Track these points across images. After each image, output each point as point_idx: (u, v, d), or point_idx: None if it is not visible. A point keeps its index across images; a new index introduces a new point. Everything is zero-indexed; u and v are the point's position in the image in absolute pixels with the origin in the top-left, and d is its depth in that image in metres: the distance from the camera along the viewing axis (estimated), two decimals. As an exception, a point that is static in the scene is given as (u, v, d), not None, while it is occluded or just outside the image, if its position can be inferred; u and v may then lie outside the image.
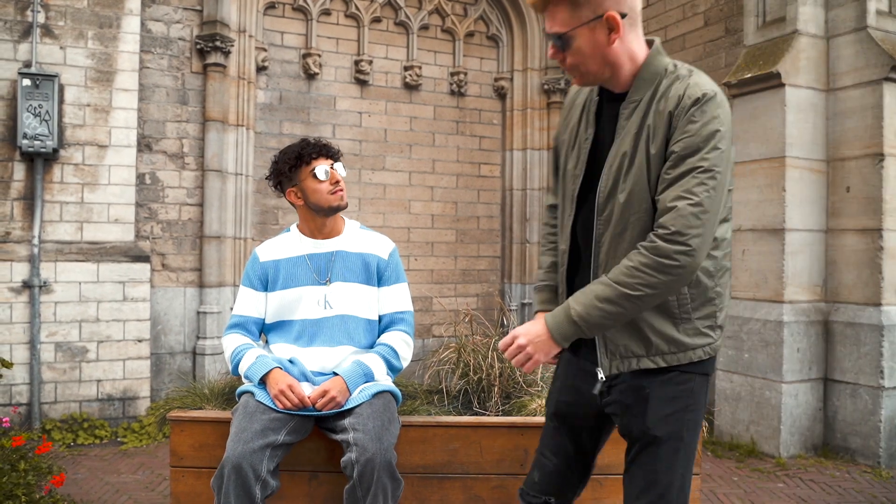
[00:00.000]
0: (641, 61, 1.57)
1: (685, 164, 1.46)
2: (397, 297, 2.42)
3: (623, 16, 1.50)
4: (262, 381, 2.20)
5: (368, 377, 2.25)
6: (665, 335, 1.55)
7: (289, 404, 2.11)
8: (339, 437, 2.09)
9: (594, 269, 1.60)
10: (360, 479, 1.96)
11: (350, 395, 2.18)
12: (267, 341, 2.45)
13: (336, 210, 2.35)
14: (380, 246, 2.44)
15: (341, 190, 2.34)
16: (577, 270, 1.69)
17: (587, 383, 1.66)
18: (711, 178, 1.45)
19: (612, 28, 1.50)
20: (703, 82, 1.52)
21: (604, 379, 1.60)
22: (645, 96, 1.55)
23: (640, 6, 1.57)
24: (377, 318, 2.40)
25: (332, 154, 2.37)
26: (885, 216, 4.17)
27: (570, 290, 1.67)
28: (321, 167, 2.30)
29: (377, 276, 2.40)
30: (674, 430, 1.56)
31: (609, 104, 1.63)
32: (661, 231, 1.46)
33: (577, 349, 1.69)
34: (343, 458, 2.02)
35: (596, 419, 1.73)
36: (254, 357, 2.25)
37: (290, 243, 2.41)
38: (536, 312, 1.83)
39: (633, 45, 1.55)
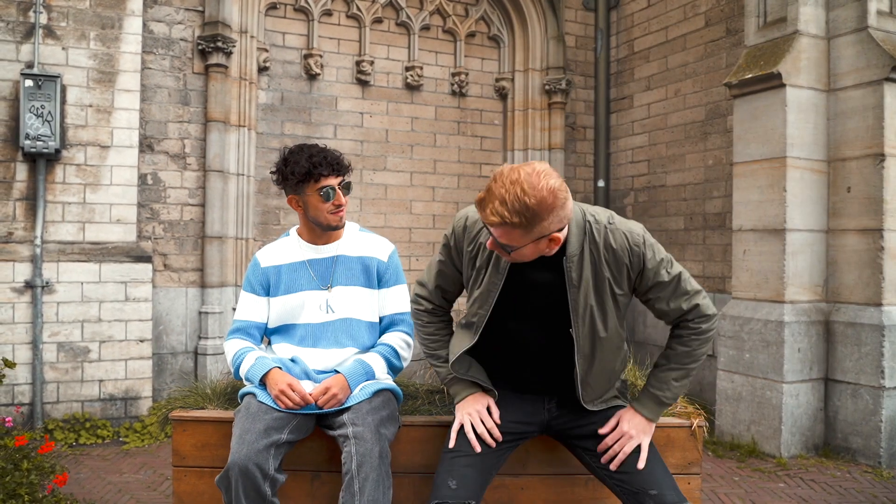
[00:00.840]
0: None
1: (669, 282, 1.93)
2: (397, 299, 2.43)
3: (561, 229, 1.77)
4: (263, 382, 2.21)
5: (369, 375, 2.26)
6: (618, 388, 2.15)
7: (290, 403, 2.11)
8: (338, 432, 2.09)
9: (580, 387, 1.99)
10: (358, 469, 1.96)
11: (351, 392, 2.19)
12: (270, 343, 2.46)
13: (333, 229, 2.36)
14: (379, 248, 2.44)
15: (342, 212, 2.33)
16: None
17: (536, 406, 2.10)
18: (685, 275, 1.97)
19: (554, 241, 1.78)
20: (630, 226, 1.93)
21: (600, 432, 2.04)
22: (584, 249, 1.87)
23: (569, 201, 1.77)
24: (378, 321, 2.42)
25: (342, 170, 2.32)
26: (886, 216, 4.18)
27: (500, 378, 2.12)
28: (329, 188, 2.27)
29: (377, 278, 2.41)
30: None
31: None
32: (699, 319, 1.97)
33: (521, 389, 2.12)
34: (343, 454, 2.02)
35: (523, 436, 2.11)
36: (253, 359, 2.26)
37: (290, 248, 2.41)
38: (465, 398, 2.09)
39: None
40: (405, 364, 2.41)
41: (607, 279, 1.90)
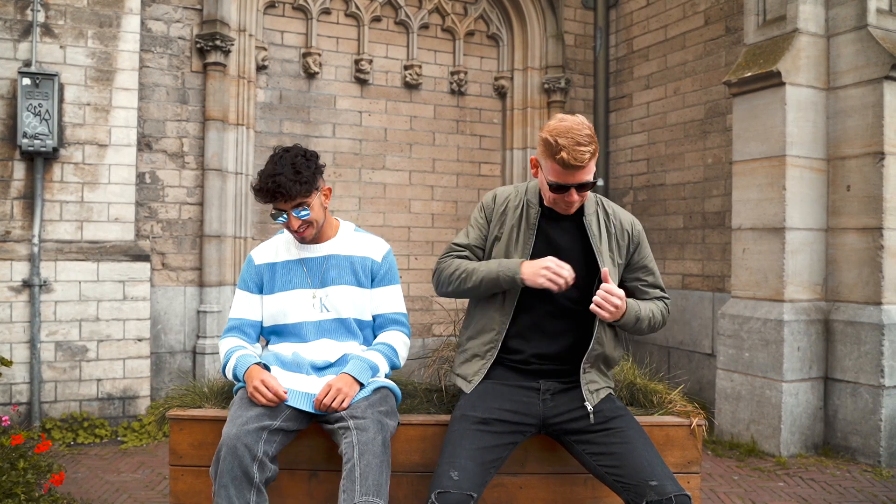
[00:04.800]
0: None
1: (653, 270, 2.35)
2: (392, 299, 2.42)
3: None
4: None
5: (374, 370, 2.25)
6: (609, 380, 2.32)
7: (263, 400, 2.07)
8: (336, 425, 2.07)
9: (595, 341, 2.17)
10: (361, 456, 1.94)
11: (362, 386, 2.17)
12: (268, 343, 2.45)
13: (306, 242, 2.35)
14: (373, 248, 2.43)
15: (303, 233, 2.29)
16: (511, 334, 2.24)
17: (531, 398, 2.18)
18: (659, 274, 2.41)
19: (589, 182, 2.14)
20: (630, 215, 2.38)
21: (592, 409, 2.13)
22: (598, 212, 2.27)
23: None
24: (371, 319, 2.41)
25: (286, 197, 2.20)
26: (886, 215, 4.17)
27: (505, 349, 2.23)
28: (277, 211, 2.26)
29: (371, 277, 2.40)
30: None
31: (554, 218, 2.23)
32: (665, 313, 2.34)
33: (506, 379, 2.22)
34: (343, 444, 2.00)
35: (520, 429, 2.14)
36: (236, 359, 2.25)
37: (284, 247, 2.41)
38: (524, 262, 2.17)
39: None
40: (402, 363, 2.40)
41: (613, 236, 2.25)
